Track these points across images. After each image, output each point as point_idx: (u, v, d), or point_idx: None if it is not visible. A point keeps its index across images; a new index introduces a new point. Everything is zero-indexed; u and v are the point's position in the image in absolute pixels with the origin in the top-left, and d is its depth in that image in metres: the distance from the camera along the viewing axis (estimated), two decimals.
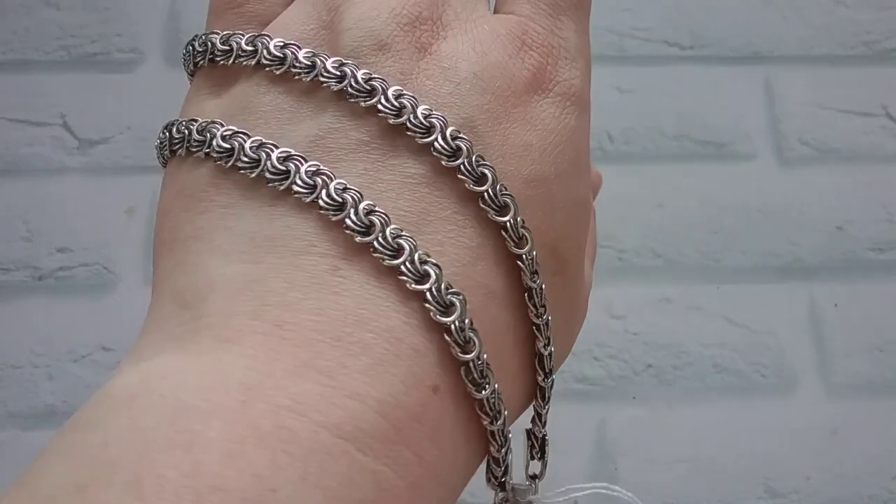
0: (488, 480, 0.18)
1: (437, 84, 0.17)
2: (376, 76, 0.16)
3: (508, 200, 0.16)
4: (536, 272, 0.17)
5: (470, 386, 0.15)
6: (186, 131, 0.17)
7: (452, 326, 0.15)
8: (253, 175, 0.16)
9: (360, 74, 0.16)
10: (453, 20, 0.18)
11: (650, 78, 0.71)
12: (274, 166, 0.15)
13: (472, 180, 0.16)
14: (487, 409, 0.15)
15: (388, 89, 0.16)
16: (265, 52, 0.17)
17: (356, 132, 0.16)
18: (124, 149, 0.68)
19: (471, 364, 0.15)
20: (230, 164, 0.16)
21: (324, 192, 0.15)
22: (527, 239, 0.16)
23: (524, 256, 0.16)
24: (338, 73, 0.16)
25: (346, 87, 0.16)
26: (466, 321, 0.15)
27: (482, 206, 0.16)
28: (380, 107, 0.16)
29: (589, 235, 0.21)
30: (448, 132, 0.16)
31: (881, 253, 0.66)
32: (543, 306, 0.17)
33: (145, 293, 0.64)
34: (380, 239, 0.15)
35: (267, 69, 0.17)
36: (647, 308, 0.64)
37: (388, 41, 0.17)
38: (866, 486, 0.60)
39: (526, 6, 0.18)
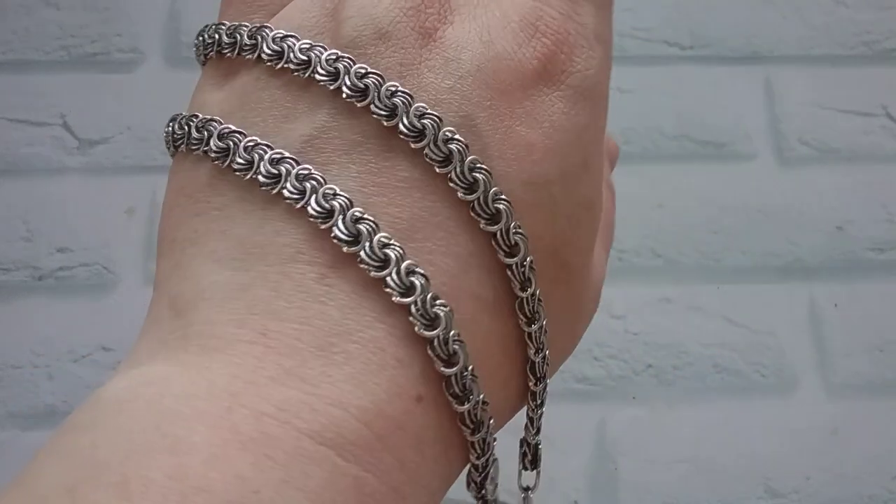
0: (468, 485, 0.17)
1: (437, 77, 0.16)
2: (372, 72, 0.16)
3: (502, 207, 0.16)
4: (529, 280, 0.16)
5: (451, 399, 0.15)
6: (187, 127, 0.17)
7: (436, 340, 0.15)
8: (247, 177, 0.16)
9: (353, 71, 0.16)
10: (463, 4, 0.17)
11: (650, 78, 0.71)
12: (266, 169, 0.15)
13: (463, 187, 0.15)
14: (468, 421, 0.15)
15: (381, 87, 0.15)
16: (264, 45, 0.16)
17: (350, 132, 0.16)
18: (124, 149, 0.68)
19: (453, 378, 0.15)
20: (226, 164, 0.16)
21: (313, 198, 0.15)
22: (520, 247, 0.16)
23: (514, 266, 0.16)
24: (332, 69, 0.16)
25: (340, 85, 0.16)
26: (452, 333, 0.15)
27: (472, 214, 0.15)
28: (372, 108, 0.15)
29: (604, 227, 0.20)
30: (441, 134, 0.15)
31: (881, 253, 0.66)
32: (536, 314, 0.16)
33: (145, 293, 0.64)
34: (367, 249, 0.15)
35: (267, 63, 0.16)
36: (647, 308, 0.64)
37: (390, 29, 0.16)
38: (866, 486, 0.60)
39: None
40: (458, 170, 0.15)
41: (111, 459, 0.12)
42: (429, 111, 0.15)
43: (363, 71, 0.16)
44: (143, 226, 0.66)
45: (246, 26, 0.17)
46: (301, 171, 0.15)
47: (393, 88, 0.16)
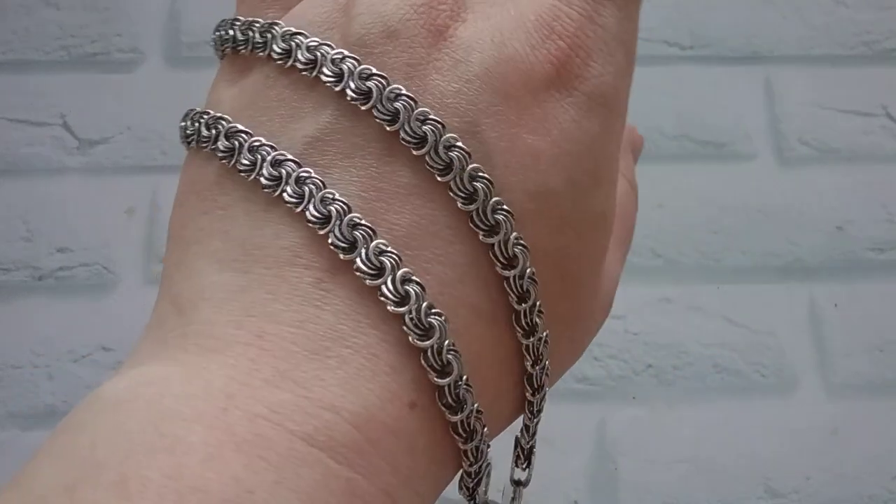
0: (460, 490, 0.17)
1: (444, 81, 0.16)
2: (376, 74, 0.15)
3: (501, 218, 0.15)
4: (528, 292, 0.16)
5: (444, 409, 0.15)
6: (198, 123, 0.17)
7: (429, 351, 0.15)
8: (250, 178, 0.16)
9: (358, 72, 0.15)
10: (478, 2, 0.16)
11: (650, 78, 0.71)
12: (268, 170, 0.15)
13: (462, 197, 0.15)
14: (461, 430, 0.15)
15: (385, 90, 0.15)
16: (274, 43, 0.16)
17: (353, 135, 0.15)
18: (124, 149, 0.68)
19: (446, 388, 0.15)
20: (232, 163, 0.16)
21: (311, 204, 0.15)
22: (518, 259, 0.15)
23: (512, 279, 0.15)
24: (338, 69, 0.16)
25: (344, 87, 0.15)
26: (446, 343, 0.15)
27: (471, 226, 0.15)
28: (374, 112, 0.15)
29: (622, 230, 0.20)
30: (443, 141, 0.15)
31: (881, 253, 0.66)
32: (535, 326, 0.16)
33: (145, 293, 0.64)
34: (363, 256, 0.15)
35: (277, 61, 0.16)
36: (647, 308, 0.64)
37: (399, 27, 0.16)
38: (866, 486, 0.60)
39: None
40: (458, 179, 0.15)
41: (110, 459, 0.12)
42: (431, 116, 0.15)
43: (368, 72, 0.15)
44: (143, 226, 0.66)
45: (258, 23, 0.17)
46: (302, 174, 0.15)
47: (396, 91, 0.15)
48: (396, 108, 0.15)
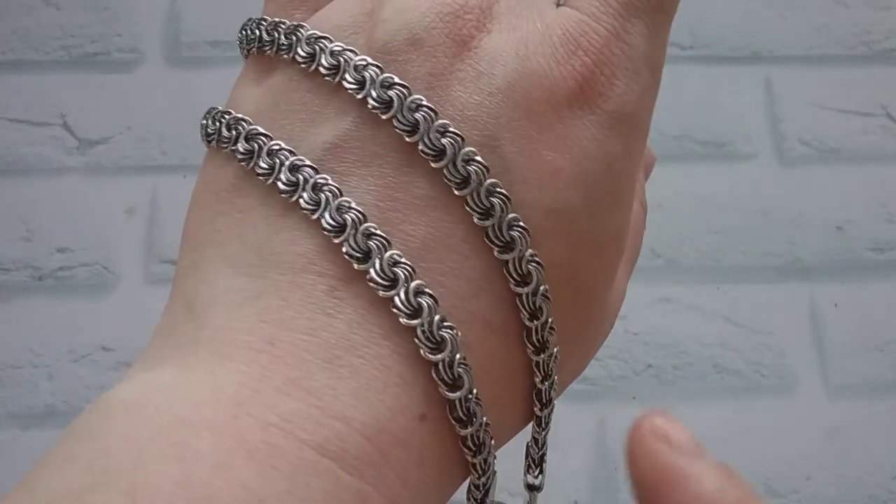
0: (468, 500, 0.17)
1: (466, 92, 0.15)
2: (398, 83, 0.15)
3: (516, 235, 0.15)
4: (541, 309, 0.16)
5: (454, 423, 0.15)
6: (219, 123, 0.17)
7: (441, 364, 0.14)
8: (268, 182, 0.15)
9: (380, 80, 0.15)
10: (504, 13, 0.16)
11: None
12: (286, 176, 0.15)
13: (479, 212, 0.15)
14: (470, 443, 0.15)
15: (406, 100, 0.15)
16: (299, 46, 0.16)
17: (372, 143, 0.15)
18: (124, 149, 0.68)
19: (457, 402, 0.15)
20: (250, 166, 0.16)
21: (327, 211, 0.15)
22: (532, 276, 0.15)
23: (525, 296, 0.15)
24: (360, 77, 0.15)
25: (365, 95, 0.15)
26: (457, 357, 0.15)
27: (486, 241, 0.15)
28: (395, 122, 0.15)
29: (630, 249, 0.20)
30: (462, 154, 0.15)
31: (881, 253, 0.66)
32: (546, 343, 0.16)
33: (145, 293, 0.64)
34: (376, 266, 0.14)
35: (301, 65, 0.16)
36: (647, 308, 0.64)
37: (423, 35, 0.16)
38: (866, 486, 0.60)
39: (594, 3, 0.16)
40: (475, 193, 0.15)
41: (121, 466, 0.12)
42: (450, 129, 0.15)
43: (390, 81, 0.15)
44: (143, 226, 0.66)
45: (284, 24, 0.17)
46: (319, 181, 0.15)
47: (417, 102, 0.15)
48: (416, 119, 0.15)
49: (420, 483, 0.15)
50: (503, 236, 0.15)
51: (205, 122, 0.17)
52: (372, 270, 0.14)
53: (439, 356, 0.14)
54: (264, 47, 0.17)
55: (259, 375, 0.14)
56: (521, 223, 0.15)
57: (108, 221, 0.66)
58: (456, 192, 0.15)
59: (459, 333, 0.15)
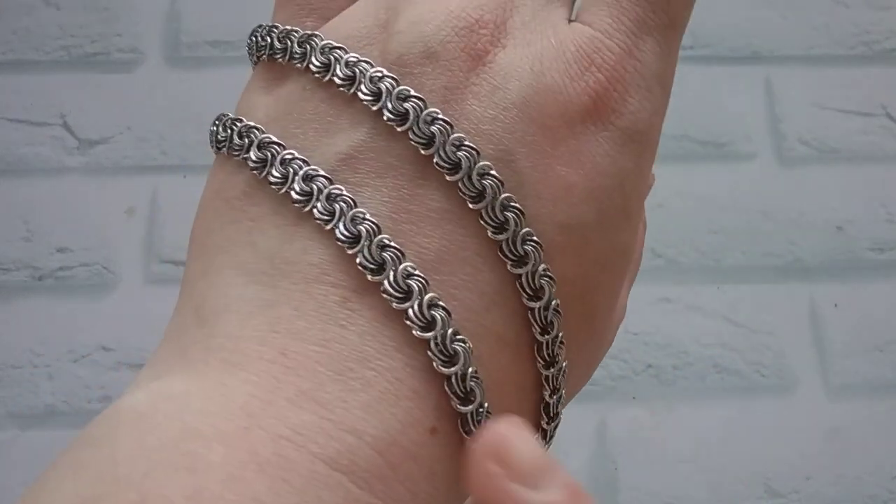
0: None
1: (481, 106, 0.15)
2: (413, 96, 0.15)
3: (530, 249, 0.15)
4: (552, 324, 0.16)
5: (466, 436, 0.15)
6: (230, 131, 0.17)
7: (453, 378, 0.14)
8: (281, 191, 0.15)
9: (396, 93, 0.15)
10: (518, 28, 0.16)
11: None
12: (300, 185, 0.15)
13: (493, 226, 0.15)
14: None
15: (422, 113, 0.15)
16: (313, 56, 0.16)
17: (387, 155, 0.15)
18: (124, 149, 0.68)
19: (469, 416, 0.15)
20: (263, 175, 0.16)
21: (342, 222, 0.15)
22: (545, 291, 0.15)
23: (538, 310, 0.15)
24: (375, 88, 0.15)
25: (381, 107, 0.15)
26: (470, 370, 0.15)
27: (499, 255, 0.15)
28: (410, 135, 0.15)
29: (631, 266, 0.20)
30: (477, 168, 0.15)
31: (881, 253, 0.66)
32: (556, 357, 0.16)
33: (145, 293, 0.64)
34: (390, 278, 0.14)
35: (315, 74, 0.16)
36: (647, 308, 0.64)
37: (438, 49, 0.16)
38: (866, 486, 0.60)
39: (606, 20, 0.16)
40: (489, 208, 0.15)
41: (130, 476, 0.12)
42: (466, 143, 0.15)
43: (406, 93, 0.15)
44: (143, 226, 0.66)
45: (297, 32, 0.17)
46: (333, 191, 0.15)
47: (434, 115, 0.15)
48: (432, 132, 0.15)
49: (429, 497, 0.14)
50: (517, 250, 0.15)
51: (215, 128, 0.17)
52: (386, 282, 0.14)
53: (452, 369, 0.14)
54: (276, 55, 0.17)
55: (271, 386, 0.14)
56: (535, 237, 0.15)
57: (108, 221, 0.66)
58: (471, 206, 0.15)
59: (472, 346, 0.15)
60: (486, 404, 0.15)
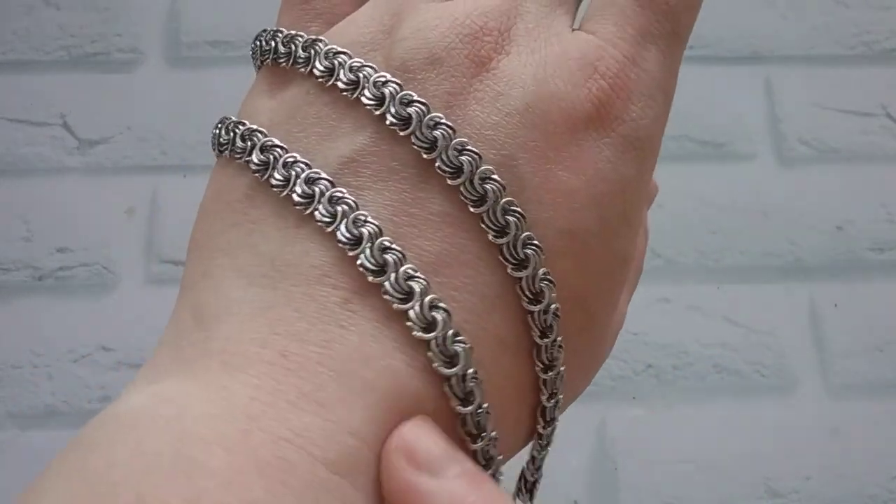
0: None
1: (484, 112, 0.16)
2: (417, 100, 0.15)
3: (530, 253, 0.15)
4: (551, 327, 0.16)
5: (465, 437, 0.15)
6: (233, 134, 0.17)
7: (453, 378, 0.15)
8: (283, 194, 0.15)
9: (399, 97, 0.15)
10: (522, 35, 0.16)
11: None
12: (302, 188, 0.15)
13: (494, 230, 0.15)
14: (480, 458, 0.15)
15: (425, 117, 0.15)
16: (317, 61, 0.16)
17: (389, 158, 0.15)
18: (124, 149, 0.68)
19: (468, 417, 0.15)
20: (265, 178, 0.16)
21: (343, 224, 0.15)
22: (544, 294, 0.15)
23: (537, 313, 0.15)
24: (379, 93, 0.16)
25: (384, 112, 0.15)
26: (469, 372, 0.15)
27: (500, 258, 0.15)
28: (413, 139, 0.15)
29: (632, 273, 0.19)
30: (479, 172, 0.15)
31: (881, 253, 0.66)
32: (555, 360, 0.16)
33: (145, 293, 0.64)
34: (391, 280, 0.15)
35: (318, 79, 0.16)
36: (647, 308, 0.64)
37: (442, 55, 0.16)
38: (866, 486, 0.60)
39: (610, 28, 0.17)
40: (491, 211, 0.15)
41: (127, 480, 0.12)
42: (468, 147, 0.15)
43: (409, 98, 0.15)
44: (143, 226, 0.66)
45: (301, 37, 0.17)
46: (335, 194, 0.15)
47: (436, 119, 0.15)
48: (435, 137, 0.15)
49: None
50: (518, 254, 0.15)
51: (217, 131, 0.17)
52: (387, 283, 0.15)
53: (452, 370, 0.14)
54: (280, 59, 0.17)
55: (272, 388, 0.14)
56: (536, 241, 0.15)
57: (108, 221, 0.66)
58: (472, 210, 0.15)
59: (472, 348, 0.15)
60: (485, 405, 0.15)
